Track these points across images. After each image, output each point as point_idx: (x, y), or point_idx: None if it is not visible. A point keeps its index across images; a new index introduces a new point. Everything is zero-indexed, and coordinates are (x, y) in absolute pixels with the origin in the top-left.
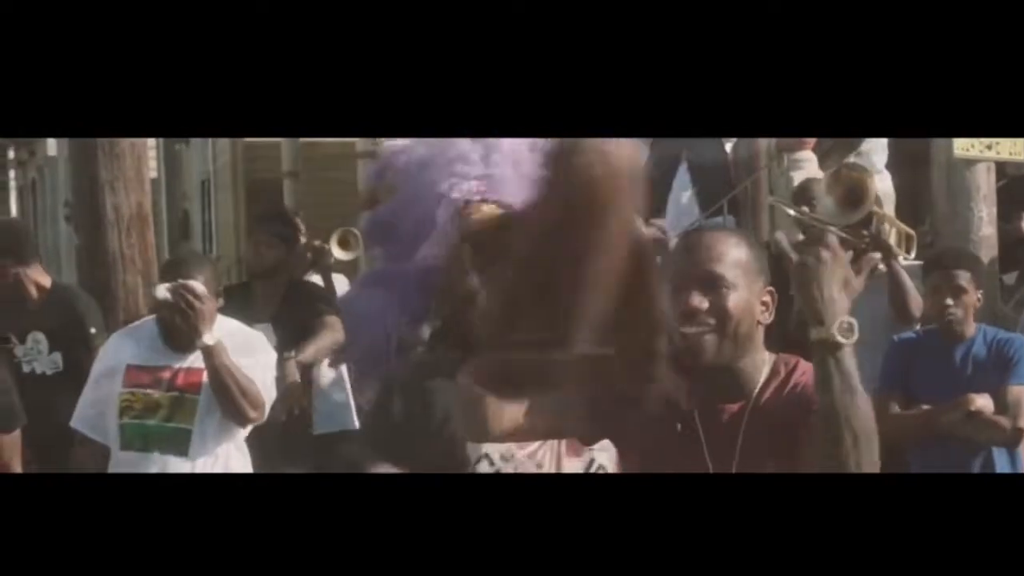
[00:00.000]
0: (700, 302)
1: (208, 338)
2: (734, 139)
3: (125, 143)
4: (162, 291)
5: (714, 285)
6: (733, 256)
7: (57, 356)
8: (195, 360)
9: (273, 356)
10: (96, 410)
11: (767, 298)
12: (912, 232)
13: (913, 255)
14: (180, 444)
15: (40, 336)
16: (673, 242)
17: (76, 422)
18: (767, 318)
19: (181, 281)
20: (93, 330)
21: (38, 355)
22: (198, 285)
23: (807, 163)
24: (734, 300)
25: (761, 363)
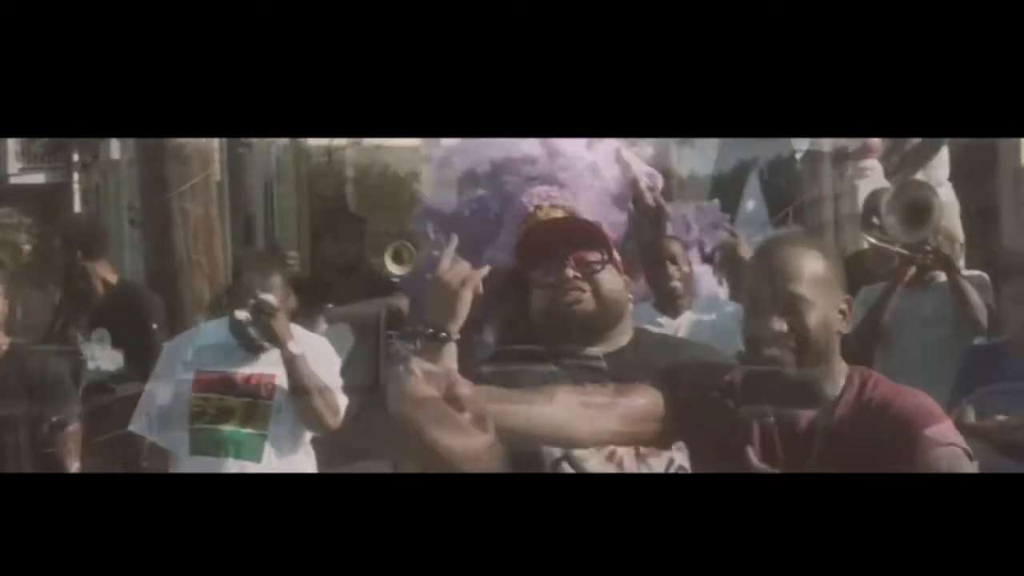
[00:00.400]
0: (780, 325)
1: (293, 347)
2: (803, 150)
3: (191, 147)
4: (242, 314)
5: (793, 306)
6: (810, 271)
7: (119, 354)
8: (266, 365)
9: (338, 361)
10: (158, 414)
11: (844, 306)
12: (961, 240)
13: (962, 263)
14: (255, 449)
15: (104, 332)
16: (743, 247)
17: (135, 425)
18: (845, 327)
19: (257, 300)
20: (155, 326)
21: (101, 351)
22: (272, 298)
23: (872, 171)
24: (813, 319)
25: (838, 373)
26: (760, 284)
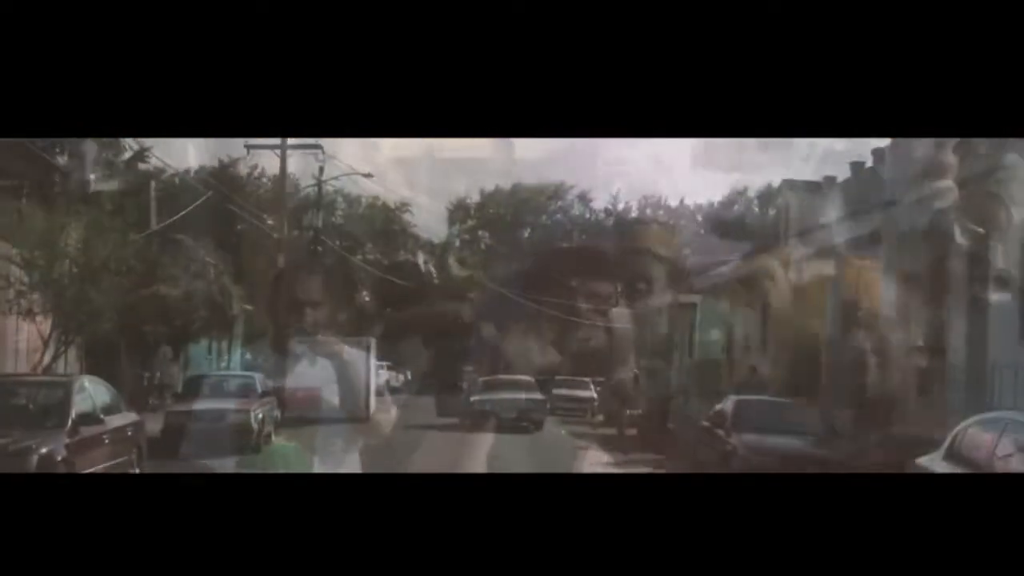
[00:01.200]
0: (864, 343)
1: (346, 355)
2: (885, 164)
3: (254, 162)
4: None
5: (878, 326)
6: (891, 297)
7: (177, 369)
8: (312, 380)
9: (375, 362)
10: (204, 435)
11: (920, 342)
12: None
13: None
14: (303, 461)
15: (167, 350)
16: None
17: (185, 449)
18: (922, 360)
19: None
20: (204, 342)
21: (165, 368)
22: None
23: (948, 192)
24: (896, 340)
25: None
26: (846, 303)
